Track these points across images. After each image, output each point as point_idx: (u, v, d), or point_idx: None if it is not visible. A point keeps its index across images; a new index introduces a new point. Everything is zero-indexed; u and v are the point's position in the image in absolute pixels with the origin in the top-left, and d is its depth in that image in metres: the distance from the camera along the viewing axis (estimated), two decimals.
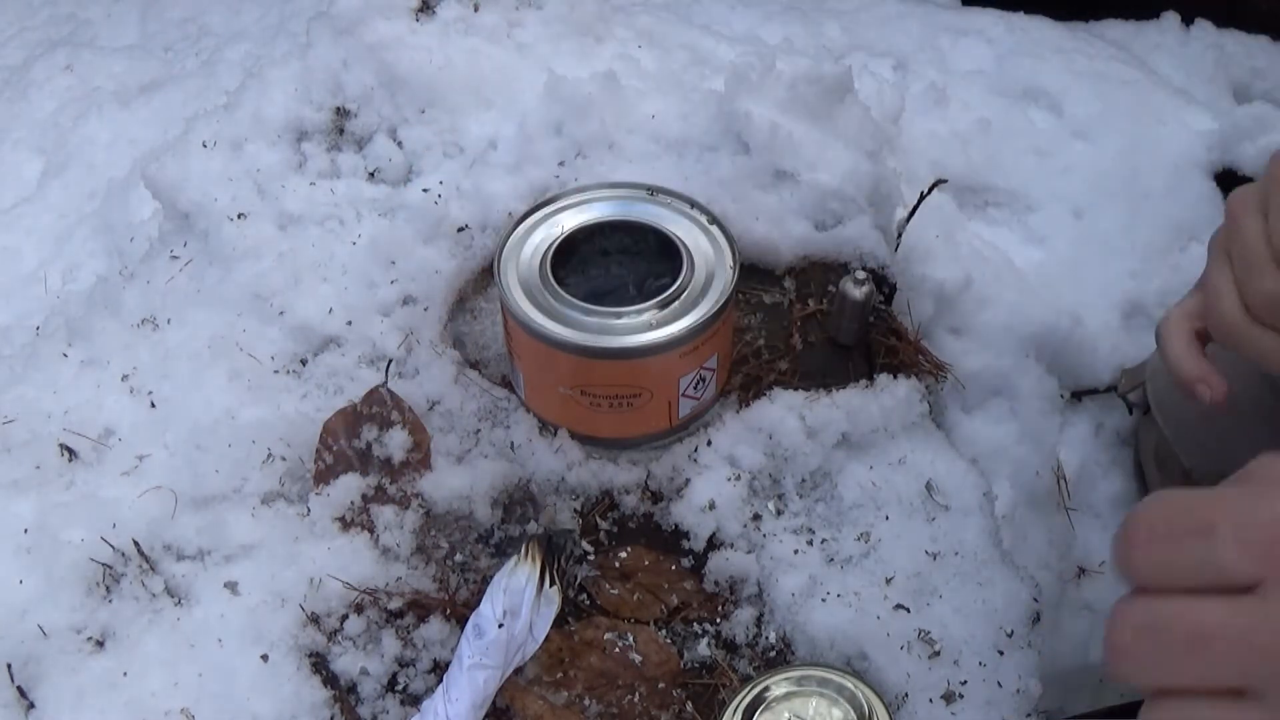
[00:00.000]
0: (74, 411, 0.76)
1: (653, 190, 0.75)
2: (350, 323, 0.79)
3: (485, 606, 0.64)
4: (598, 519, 0.72)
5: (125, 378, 0.78)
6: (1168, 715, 0.42)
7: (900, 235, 0.91)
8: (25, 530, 0.70)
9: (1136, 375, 0.96)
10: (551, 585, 0.65)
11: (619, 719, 0.64)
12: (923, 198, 0.90)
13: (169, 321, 0.81)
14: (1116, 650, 0.42)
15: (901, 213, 0.91)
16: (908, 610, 0.67)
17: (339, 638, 0.67)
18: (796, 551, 0.70)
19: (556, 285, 0.69)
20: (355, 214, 0.85)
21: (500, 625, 0.62)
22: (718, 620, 0.68)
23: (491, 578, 0.66)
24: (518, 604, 0.63)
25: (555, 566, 0.66)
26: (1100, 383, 1.02)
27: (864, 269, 0.79)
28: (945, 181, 0.93)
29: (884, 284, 0.83)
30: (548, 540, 0.67)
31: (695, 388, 0.71)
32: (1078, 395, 1.02)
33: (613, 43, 0.99)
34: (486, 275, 0.83)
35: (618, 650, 0.66)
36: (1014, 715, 0.64)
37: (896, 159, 1.00)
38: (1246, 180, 1.15)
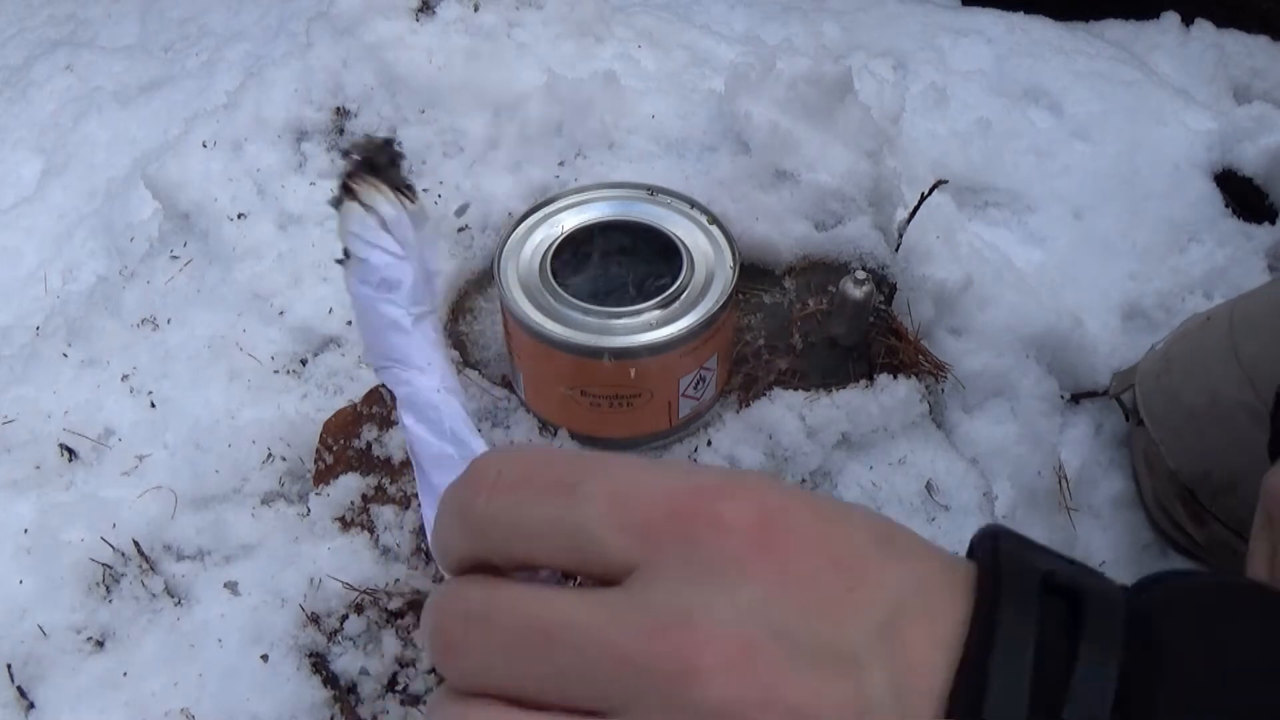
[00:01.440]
0: (74, 411, 0.76)
1: (653, 190, 0.75)
2: (350, 323, 0.79)
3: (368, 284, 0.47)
4: None
5: (125, 378, 0.78)
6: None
7: (901, 236, 0.91)
8: (25, 530, 0.70)
9: (1127, 378, 0.96)
10: (412, 202, 0.48)
11: None
12: (924, 198, 0.90)
13: (169, 321, 0.81)
14: (442, 641, 0.32)
15: (902, 213, 0.91)
16: None
17: (339, 638, 0.67)
18: None
19: (556, 285, 0.69)
20: None
21: (397, 266, 0.46)
22: None
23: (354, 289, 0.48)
24: (384, 242, 0.47)
25: (398, 182, 0.48)
26: (1099, 384, 1.02)
27: (864, 269, 0.79)
28: (946, 182, 0.93)
29: (884, 284, 0.83)
30: (367, 162, 0.48)
31: (695, 388, 0.71)
32: (1076, 398, 1.02)
33: (613, 43, 0.99)
34: (486, 275, 0.83)
35: None
36: None
37: (896, 159, 1.00)
38: (1246, 181, 1.16)
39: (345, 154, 0.49)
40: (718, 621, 0.29)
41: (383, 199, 0.47)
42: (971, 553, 0.34)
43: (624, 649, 0.30)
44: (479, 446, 0.43)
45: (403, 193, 0.48)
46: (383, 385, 0.75)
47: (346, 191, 0.47)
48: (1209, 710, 0.29)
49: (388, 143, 0.49)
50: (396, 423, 0.74)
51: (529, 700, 0.31)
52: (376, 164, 0.48)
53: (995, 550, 0.32)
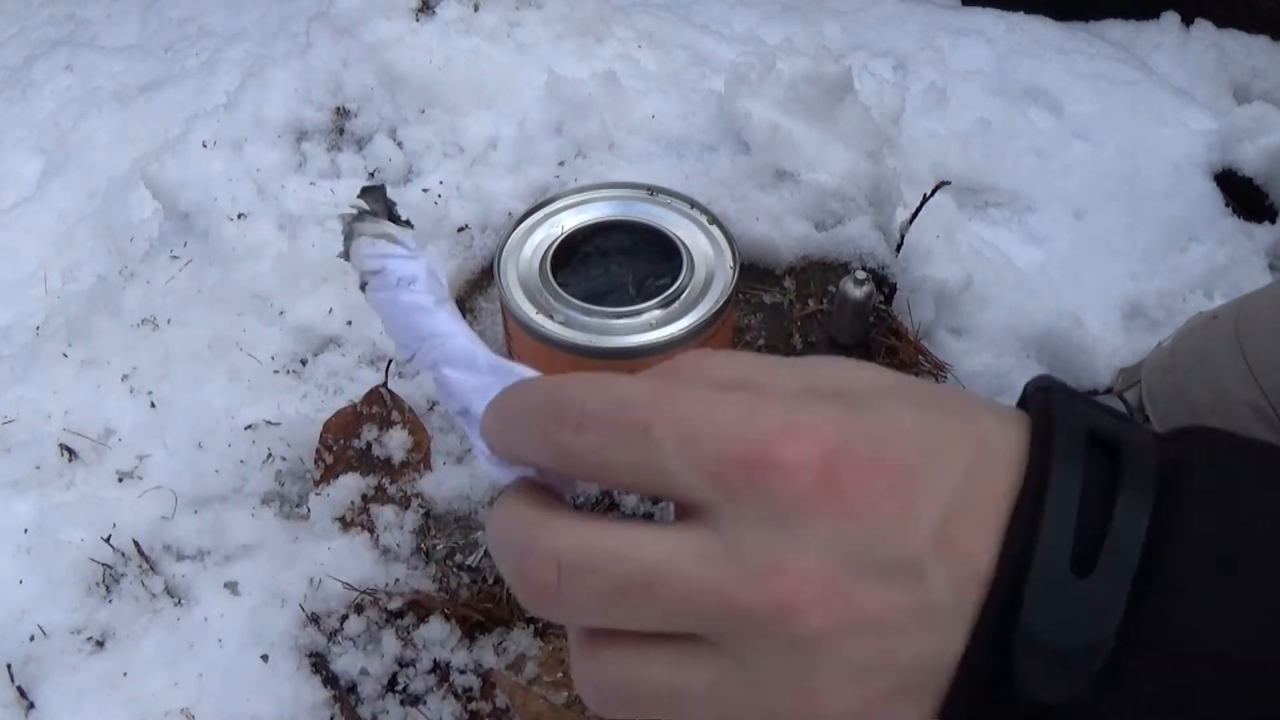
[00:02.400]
0: (74, 411, 0.76)
1: (653, 190, 0.75)
2: (350, 323, 0.79)
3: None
4: None
5: (125, 378, 0.78)
6: (609, 665, 0.36)
7: (903, 237, 0.91)
8: (25, 530, 0.70)
9: (1132, 375, 0.96)
10: (411, 229, 0.51)
11: None
12: (926, 200, 0.90)
13: (169, 321, 0.81)
14: (535, 587, 0.34)
15: (902, 213, 0.91)
16: None
17: (339, 638, 0.67)
18: None
19: (556, 285, 0.69)
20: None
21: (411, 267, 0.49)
22: None
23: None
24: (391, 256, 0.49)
25: (395, 215, 0.51)
26: (1100, 384, 1.02)
27: (864, 269, 0.79)
28: (949, 184, 0.93)
29: (884, 284, 0.83)
30: (366, 209, 0.51)
31: None
32: None
33: (613, 43, 0.99)
34: (486, 275, 0.83)
35: None
36: None
37: (896, 159, 1.00)
38: (1246, 180, 1.16)
39: (362, 193, 0.52)
40: (802, 564, 0.34)
41: (384, 226, 0.51)
42: (1023, 402, 0.39)
43: (725, 595, 0.34)
44: (526, 371, 0.44)
45: (401, 223, 0.51)
46: (384, 386, 0.75)
47: (352, 233, 0.50)
48: (1224, 558, 0.34)
49: (380, 188, 0.52)
50: (397, 424, 0.74)
51: (628, 630, 0.35)
52: (373, 208, 0.52)
53: (1047, 407, 0.36)
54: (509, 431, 0.38)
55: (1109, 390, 1.01)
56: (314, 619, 0.67)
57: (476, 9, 0.96)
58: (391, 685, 0.66)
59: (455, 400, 0.44)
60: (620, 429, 0.35)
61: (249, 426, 0.75)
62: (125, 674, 0.66)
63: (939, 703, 0.35)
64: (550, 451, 0.36)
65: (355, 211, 0.51)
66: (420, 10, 0.95)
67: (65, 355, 0.80)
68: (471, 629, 0.67)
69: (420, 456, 0.73)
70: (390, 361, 0.77)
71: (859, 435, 0.35)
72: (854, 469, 0.35)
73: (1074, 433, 0.36)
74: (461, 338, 0.46)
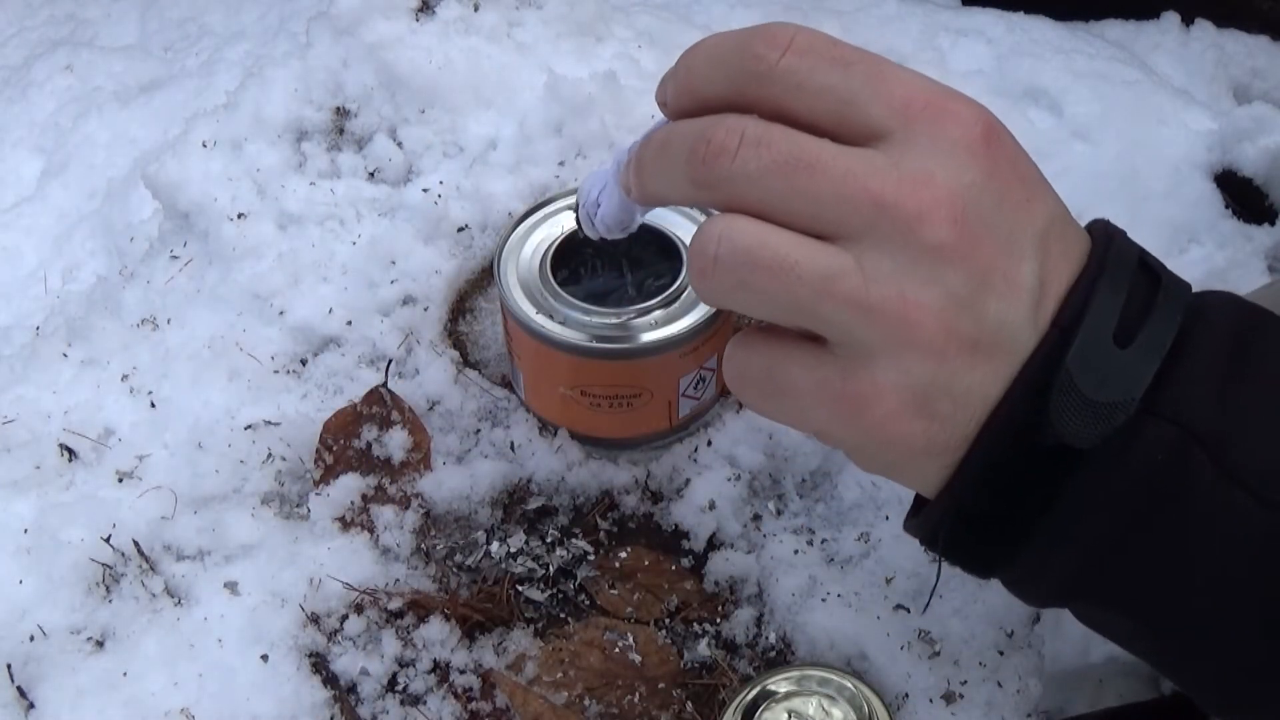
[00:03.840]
0: (74, 411, 0.76)
1: None
2: (350, 323, 0.79)
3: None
4: (598, 519, 0.72)
5: (125, 378, 0.78)
6: (755, 351, 0.44)
7: None
8: (25, 530, 0.70)
9: None
10: None
11: (619, 719, 0.64)
12: None
13: (169, 321, 0.81)
14: (715, 147, 0.40)
15: None
16: (908, 610, 0.67)
17: (339, 638, 0.67)
18: (796, 552, 0.70)
19: (556, 285, 0.69)
20: (355, 214, 0.85)
21: None
22: (718, 620, 0.68)
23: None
24: None
25: None
26: None
27: None
28: None
29: None
30: None
31: (695, 388, 0.71)
32: None
33: (613, 43, 0.99)
34: (486, 275, 0.83)
35: (618, 650, 0.66)
36: (1014, 715, 0.64)
37: None
38: (1246, 181, 1.16)
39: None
40: (950, 187, 0.40)
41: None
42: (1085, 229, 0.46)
43: (875, 190, 0.39)
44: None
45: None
46: (384, 386, 0.75)
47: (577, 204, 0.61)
48: (1235, 367, 0.41)
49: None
50: (397, 424, 0.74)
51: (773, 217, 0.41)
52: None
53: (1109, 229, 0.45)
54: (710, 70, 0.44)
55: None
56: (314, 619, 0.67)
57: (476, 9, 0.96)
58: (391, 685, 0.66)
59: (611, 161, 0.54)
60: (826, 58, 0.41)
61: (249, 426, 0.75)
62: (125, 674, 0.66)
63: (985, 412, 0.41)
64: (750, 76, 0.42)
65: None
66: (420, 10, 0.95)
67: (65, 355, 0.80)
68: (471, 629, 0.67)
69: (420, 456, 0.73)
70: (390, 361, 0.77)
71: (1008, 130, 0.43)
72: (1005, 146, 0.42)
73: (1129, 251, 0.44)
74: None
